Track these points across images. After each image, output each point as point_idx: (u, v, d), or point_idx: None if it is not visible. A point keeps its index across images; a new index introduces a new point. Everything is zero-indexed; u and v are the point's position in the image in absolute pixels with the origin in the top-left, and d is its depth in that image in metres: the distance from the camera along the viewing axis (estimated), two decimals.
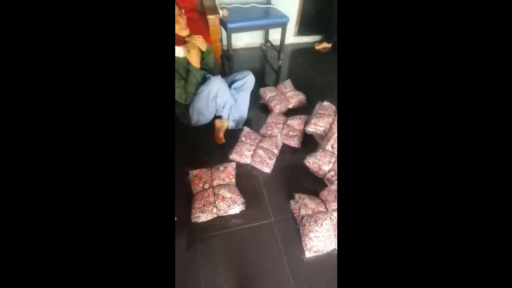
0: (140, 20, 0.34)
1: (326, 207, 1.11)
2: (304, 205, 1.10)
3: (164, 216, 0.35)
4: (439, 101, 0.34)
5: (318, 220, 1.04)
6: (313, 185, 1.29)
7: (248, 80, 1.51)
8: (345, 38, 0.40)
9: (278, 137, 1.47)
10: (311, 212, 1.08)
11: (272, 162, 1.35)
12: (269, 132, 1.53)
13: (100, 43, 0.33)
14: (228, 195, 1.11)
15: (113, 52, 0.34)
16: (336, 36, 2.36)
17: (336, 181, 1.24)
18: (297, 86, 1.84)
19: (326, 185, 1.25)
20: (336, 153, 1.36)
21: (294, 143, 1.49)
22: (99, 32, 0.33)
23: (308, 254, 1.03)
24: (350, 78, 0.39)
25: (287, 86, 1.82)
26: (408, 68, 0.35)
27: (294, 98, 1.73)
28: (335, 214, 1.06)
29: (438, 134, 0.34)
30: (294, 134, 1.51)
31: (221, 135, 1.48)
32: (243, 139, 1.46)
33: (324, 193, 1.17)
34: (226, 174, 1.21)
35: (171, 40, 0.45)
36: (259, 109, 1.75)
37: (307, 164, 1.34)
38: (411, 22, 0.35)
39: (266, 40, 2.31)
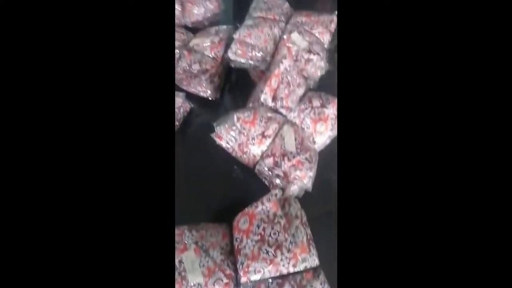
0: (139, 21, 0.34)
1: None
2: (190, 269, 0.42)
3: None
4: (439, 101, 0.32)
5: None
6: (236, 186, 0.58)
7: None
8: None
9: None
10: None
11: None
12: None
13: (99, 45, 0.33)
14: None
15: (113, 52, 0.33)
16: None
17: (277, 178, 0.54)
18: None
19: (264, 185, 0.54)
20: (285, 112, 0.62)
21: (203, 89, 0.71)
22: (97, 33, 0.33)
23: None
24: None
25: None
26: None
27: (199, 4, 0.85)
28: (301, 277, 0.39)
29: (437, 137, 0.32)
30: (205, 68, 0.72)
31: None
32: None
33: (240, 219, 0.47)
34: None
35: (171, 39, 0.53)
36: None
37: (218, 140, 0.60)
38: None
39: None
